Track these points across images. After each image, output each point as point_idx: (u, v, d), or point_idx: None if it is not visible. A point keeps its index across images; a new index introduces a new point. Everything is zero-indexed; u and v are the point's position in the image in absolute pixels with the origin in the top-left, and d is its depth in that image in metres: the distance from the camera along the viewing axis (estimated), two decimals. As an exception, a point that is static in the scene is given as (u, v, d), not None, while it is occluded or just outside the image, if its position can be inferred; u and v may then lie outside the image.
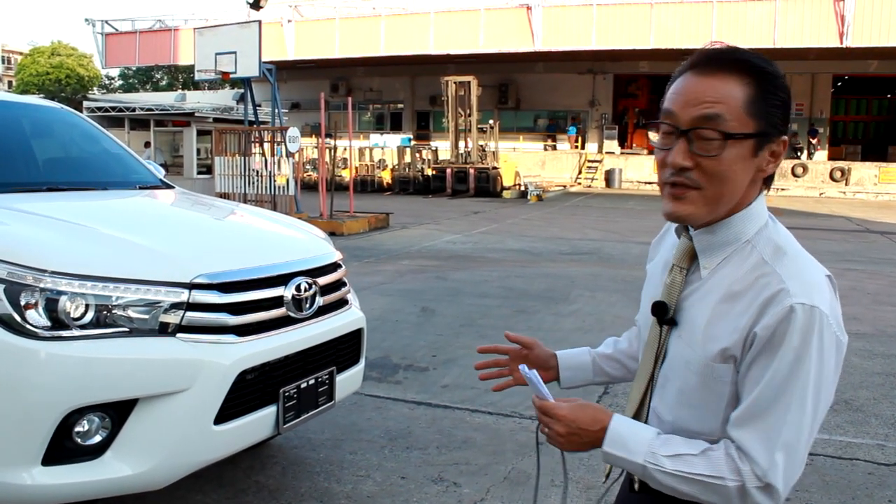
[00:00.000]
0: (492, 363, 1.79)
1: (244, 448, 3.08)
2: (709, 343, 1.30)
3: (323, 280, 3.40)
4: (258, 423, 2.99)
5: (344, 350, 3.52)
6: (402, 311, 7.67)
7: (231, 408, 2.85)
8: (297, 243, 3.68)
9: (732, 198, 1.30)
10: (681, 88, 1.31)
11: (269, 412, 3.03)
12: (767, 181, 1.35)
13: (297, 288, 3.19)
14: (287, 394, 3.08)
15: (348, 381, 3.57)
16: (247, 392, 2.92)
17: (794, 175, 30.03)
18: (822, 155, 32.98)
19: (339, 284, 3.59)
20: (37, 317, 2.58)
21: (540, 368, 1.69)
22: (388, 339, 6.46)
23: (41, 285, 2.60)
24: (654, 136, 1.36)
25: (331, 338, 3.36)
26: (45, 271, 2.62)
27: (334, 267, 3.59)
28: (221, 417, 2.82)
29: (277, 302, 3.11)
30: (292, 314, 3.16)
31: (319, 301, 3.33)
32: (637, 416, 1.44)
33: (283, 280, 3.16)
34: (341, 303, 3.59)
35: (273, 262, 3.22)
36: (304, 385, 3.18)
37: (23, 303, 2.58)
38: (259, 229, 3.97)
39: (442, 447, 4.16)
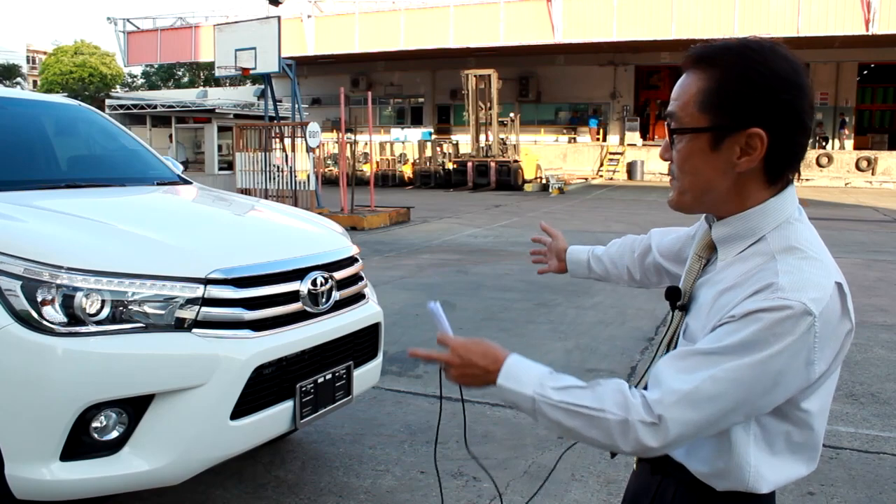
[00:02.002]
0: (536, 251, 2.14)
1: (262, 443, 3.07)
2: (706, 329, 1.29)
3: (339, 274, 3.39)
4: (275, 419, 2.98)
5: (361, 344, 3.51)
6: (423, 305, 7.61)
7: (248, 403, 2.85)
8: (314, 238, 3.67)
9: (706, 190, 1.32)
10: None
11: (286, 407, 3.02)
12: (776, 176, 1.31)
13: (314, 282, 3.18)
14: (304, 389, 3.08)
15: (366, 375, 3.56)
16: (263, 387, 2.91)
17: (819, 165, 29.64)
18: (847, 144, 32.55)
19: (355, 279, 3.58)
20: (53, 313, 2.59)
21: (557, 258, 2.06)
22: (408, 333, 6.45)
23: (58, 281, 2.61)
24: None
25: (348, 332, 3.35)
26: (61, 268, 2.63)
27: (351, 261, 3.57)
28: (238, 413, 2.82)
29: (294, 297, 3.10)
30: (309, 309, 3.15)
31: (336, 295, 3.31)
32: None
33: (299, 275, 3.15)
34: (358, 297, 3.57)
35: (289, 256, 3.20)
36: (321, 380, 3.17)
37: (40, 299, 2.59)
38: (275, 224, 3.97)
39: (462, 441, 4.13)
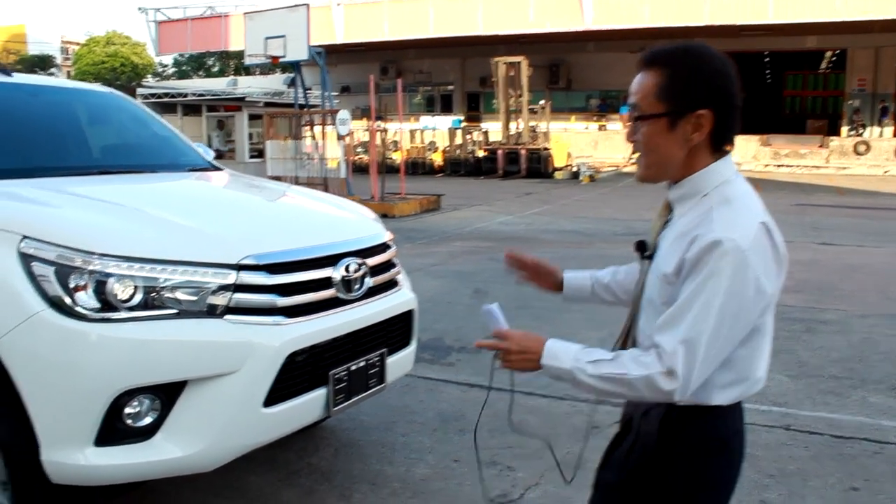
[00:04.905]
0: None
1: (294, 430, 3.05)
2: (662, 271, 1.63)
3: (372, 261, 3.34)
4: (308, 406, 2.95)
5: (394, 332, 3.46)
6: (456, 292, 7.60)
7: (281, 390, 2.81)
8: (346, 224, 3.63)
9: (667, 162, 1.67)
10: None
11: (319, 394, 2.98)
12: (719, 146, 1.65)
13: (347, 269, 3.14)
14: (337, 376, 3.04)
15: (399, 363, 3.51)
16: (296, 374, 2.88)
17: (857, 153, 29.07)
18: (886, 131, 31.86)
19: (388, 265, 3.53)
20: (86, 299, 2.57)
21: (547, 274, 2.35)
22: (441, 320, 6.41)
23: (90, 267, 2.59)
24: None
25: (381, 319, 3.30)
26: (93, 253, 2.61)
27: (384, 247, 3.52)
28: (271, 400, 2.78)
29: (326, 283, 3.05)
30: (341, 295, 3.11)
31: (369, 282, 3.27)
32: (627, 334, 1.81)
33: (331, 261, 3.11)
34: (391, 284, 3.52)
35: (321, 242, 3.16)
36: (354, 367, 3.13)
37: (72, 285, 2.58)
38: (307, 210, 3.93)
39: (495, 430, 4.08)
